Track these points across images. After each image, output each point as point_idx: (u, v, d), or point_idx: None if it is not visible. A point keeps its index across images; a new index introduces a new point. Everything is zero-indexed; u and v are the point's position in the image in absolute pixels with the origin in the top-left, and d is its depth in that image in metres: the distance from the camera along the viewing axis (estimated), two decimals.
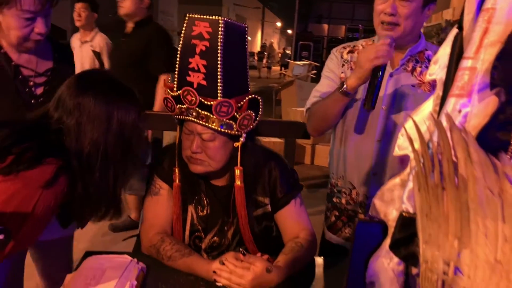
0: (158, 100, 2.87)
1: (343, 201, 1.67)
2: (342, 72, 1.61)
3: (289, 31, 37.13)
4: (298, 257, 1.33)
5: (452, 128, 0.55)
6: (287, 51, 24.73)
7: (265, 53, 22.53)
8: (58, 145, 1.11)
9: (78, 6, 3.63)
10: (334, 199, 1.70)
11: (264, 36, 45.38)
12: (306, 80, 8.99)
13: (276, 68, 21.96)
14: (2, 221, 0.97)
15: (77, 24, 3.67)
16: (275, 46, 42.20)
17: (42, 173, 1.04)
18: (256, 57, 21.08)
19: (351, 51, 1.65)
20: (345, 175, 1.64)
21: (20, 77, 1.45)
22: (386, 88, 1.53)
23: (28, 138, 1.09)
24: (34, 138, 1.10)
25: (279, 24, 47.47)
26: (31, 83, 1.47)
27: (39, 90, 1.46)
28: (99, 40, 3.62)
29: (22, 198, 1.01)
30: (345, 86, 1.42)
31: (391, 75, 1.54)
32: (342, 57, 1.65)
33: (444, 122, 0.57)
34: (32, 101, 1.44)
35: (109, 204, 1.21)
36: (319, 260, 1.46)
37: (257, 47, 37.61)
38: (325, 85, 1.62)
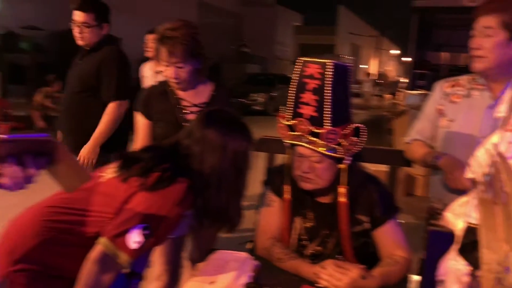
0: (101, 126, 2.57)
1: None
2: (440, 105, 1.76)
3: (405, 59, 36.07)
4: (392, 271, 1.49)
5: (501, 156, 0.72)
6: (400, 79, 24.09)
7: (378, 81, 22.19)
8: (187, 167, 1.45)
9: (149, 37, 3.71)
10: (433, 221, 1.81)
11: (379, 64, 44.54)
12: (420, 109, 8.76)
13: (388, 97, 21.47)
14: (146, 221, 1.31)
15: (149, 55, 3.78)
16: (390, 74, 41.16)
17: (176, 191, 1.38)
18: (367, 85, 20.79)
19: (453, 85, 1.79)
20: (443, 199, 1.75)
21: (179, 106, 1.98)
22: (484, 120, 1.64)
23: (165, 161, 1.44)
24: (170, 160, 1.45)
25: (394, 52, 46.26)
26: (186, 111, 1.96)
27: (191, 117, 1.90)
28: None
29: (160, 206, 1.35)
30: (437, 161, 1.61)
31: (490, 107, 1.64)
32: (443, 90, 1.80)
33: (497, 151, 0.74)
34: (184, 124, 1.89)
35: (223, 219, 1.51)
36: (414, 278, 1.58)
37: (370, 75, 37.03)
38: (423, 122, 1.80)
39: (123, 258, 1.29)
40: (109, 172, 1.46)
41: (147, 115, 2.07)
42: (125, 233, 1.28)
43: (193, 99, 2.04)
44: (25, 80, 11.20)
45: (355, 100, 21.39)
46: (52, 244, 1.34)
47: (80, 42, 2.67)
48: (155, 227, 1.32)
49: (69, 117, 2.72)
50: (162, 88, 2.08)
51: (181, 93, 2.04)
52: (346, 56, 31.61)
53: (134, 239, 1.28)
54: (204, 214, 1.49)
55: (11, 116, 7.35)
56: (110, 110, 2.57)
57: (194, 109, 2.00)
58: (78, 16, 2.60)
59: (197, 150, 1.46)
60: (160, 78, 3.75)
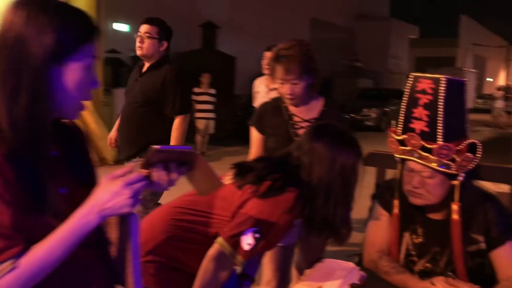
0: (173, 142, 2.79)
1: None
2: None
3: None
4: None
5: None
6: None
7: (508, 95, 20.11)
8: (296, 177, 1.53)
9: (267, 55, 3.71)
10: None
11: (508, 77, 40.64)
12: None
13: None
14: (257, 225, 1.42)
15: (266, 71, 3.73)
16: None
17: (286, 199, 1.47)
18: (499, 101, 18.78)
19: None
20: None
21: (291, 121, 2.09)
22: None
23: (276, 171, 1.54)
24: (281, 171, 1.54)
25: None
26: (298, 126, 2.07)
27: (302, 132, 1.98)
28: None
29: (270, 212, 1.45)
30: None
31: None
32: None
33: None
34: (295, 139, 1.98)
35: (330, 229, 1.56)
36: None
37: (501, 89, 33.94)
38: None
39: (237, 257, 1.42)
40: (227, 179, 1.61)
41: (261, 130, 2.21)
42: (239, 235, 1.41)
43: (305, 114, 2.13)
44: None
45: (484, 117, 19.73)
46: (177, 240, 1.51)
47: (138, 52, 2.80)
48: (265, 231, 1.42)
49: (130, 128, 2.92)
50: (276, 104, 2.20)
51: (293, 109, 2.14)
52: (469, 69, 29.40)
53: (247, 241, 1.40)
54: (312, 223, 1.56)
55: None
56: (179, 124, 2.81)
57: (305, 124, 2.08)
58: (143, 28, 2.78)
59: (306, 161, 1.54)
60: (273, 94, 3.75)
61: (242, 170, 1.59)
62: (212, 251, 1.42)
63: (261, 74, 4.03)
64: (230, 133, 10.54)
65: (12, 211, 0.85)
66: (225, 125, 10.03)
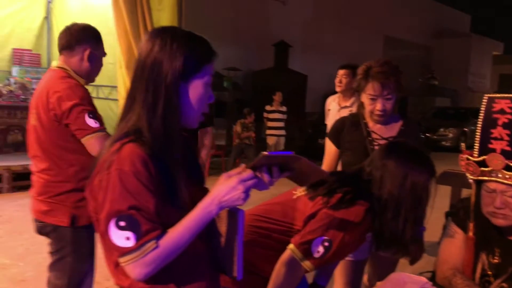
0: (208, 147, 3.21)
1: None
2: None
3: None
4: None
5: None
6: None
7: None
8: (367, 191, 1.58)
9: (341, 72, 3.79)
10: None
11: None
12: None
13: None
14: (327, 234, 1.48)
15: (338, 89, 3.82)
16: None
17: (356, 211, 1.51)
18: None
19: None
20: None
21: (369, 138, 2.13)
22: None
23: (348, 184, 1.59)
24: (352, 184, 1.59)
25: None
26: (376, 143, 2.10)
27: None
28: None
29: (340, 223, 1.50)
30: None
31: None
32: None
33: None
34: None
35: (399, 244, 1.57)
36: None
37: None
38: None
39: (307, 264, 1.48)
40: (300, 191, 1.69)
41: (337, 143, 2.26)
42: (309, 243, 1.48)
43: (384, 132, 2.14)
44: (225, 114, 12.84)
45: None
46: (254, 245, 1.61)
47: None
48: (334, 241, 1.48)
49: None
50: (354, 120, 2.23)
51: (373, 126, 2.16)
52: None
53: (316, 248, 1.47)
54: (381, 238, 1.59)
55: (214, 145, 8.53)
56: (211, 135, 3.22)
57: (383, 142, 2.09)
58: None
59: (377, 176, 1.58)
60: (344, 112, 3.78)
61: (314, 183, 1.66)
62: (284, 256, 1.51)
63: (333, 92, 4.09)
64: (300, 150, 10.60)
65: (155, 200, 1.04)
66: (295, 142, 10.12)
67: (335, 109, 3.90)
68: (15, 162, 6.13)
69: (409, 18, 21.23)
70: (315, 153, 10.12)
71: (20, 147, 6.89)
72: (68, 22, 7.61)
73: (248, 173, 1.05)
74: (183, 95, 1.11)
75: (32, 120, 2.01)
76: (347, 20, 16.03)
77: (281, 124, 8.51)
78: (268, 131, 8.50)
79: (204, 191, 1.28)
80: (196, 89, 1.12)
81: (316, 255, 1.47)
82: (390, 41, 19.76)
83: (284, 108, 8.53)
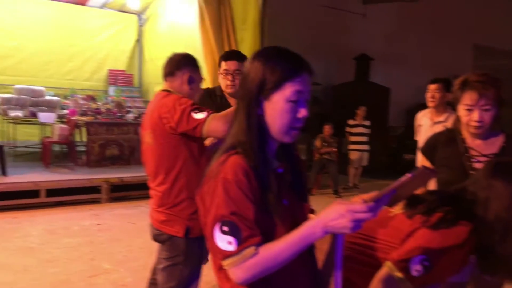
0: None
1: None
2: None
3: None
4: None
5: None
6: None
7: None
8: (470, 212, 1.51)
9: (432, 87, 3.70)
10: None
11: None
12: None
13: None
14: (426, 254, 1.44)
15: (430, 104, 3.72)
16: None
17: (458, 232, 1.46)
18: None
19: None
20: None
21: (467, 154, 2.04)
22: None
23: (449, 203, 1.53)
24: (454, 204, 1.53)
25: None
26: (475, 160, 2.01)
27: (478, 166, 1.94)
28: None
29: (440, 243, 1.45)
30: None
31: None
32: None
33: None
34: (470, 172, 1.94)
35: (506, 269, 1.49)
36: None
37: None
38: None
39: (405, 282, 1.46)
40: (397, 209, 1.67)
41: (431, 160, 2.20)
42: (408, 261, 1.46)
43: (483, 149, 2.03)
44: (306, 128, 12.88)
45: None
46: (349, 261, 1.61)
47: (229, 90, 2.69)
48: (434, 261, 1.44)
49: None
50: (450, 135, 2.15)
51: (470, 142, 2.06)
52: None
53: (415, 267, 1.44)
54: (486, 261, 1.51)
55: None
56: None
57: (483, 158, 1.99)
58: (232, 64, 2.68)
59: (482, 196, 1.51)
60: (438, 128, 3.62)
61: (412, 201, 1.64)
62: (381, 273, 1.49)
63: (417, 105, 4.01)
64: (384, 165, 10.29)
65: (254, 209, 1.10)
66: (378, 158, 9.85)
67: (427, 125, 3.78)
68: (112, 174, 6.63)
69: (500, 24, 19.84)
70: (400, 169, 9.80)
71: (116, 161, 7.44)
72: (158, 43, 8.18)
73: (361, 205, 1.03)
74: (265, 110, 1.17)
75: (146, 139, 2.21)
76: (432, 30, 15.37)
77: (364, 138, 8.34)
78: (351, 146, 8.37)
79: (306, 207, 1.33)
80: (276, 105, 1.16)
81: (415, 273, 1.45)
82: (480, 50, 18.57)
83: (367, 122, 8.36)
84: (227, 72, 2.68)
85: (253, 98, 1.17)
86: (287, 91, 1.16)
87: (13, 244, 4.34)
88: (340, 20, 12.52)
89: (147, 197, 6.64)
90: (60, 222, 5.19)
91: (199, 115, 2.01)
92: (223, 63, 2.70)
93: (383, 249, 1.60)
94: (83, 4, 9.77)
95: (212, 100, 2.74)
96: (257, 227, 1.09)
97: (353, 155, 8.35)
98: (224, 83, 2.71)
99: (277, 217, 1.14)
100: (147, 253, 4.13)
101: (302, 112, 1.18)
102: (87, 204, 6.07)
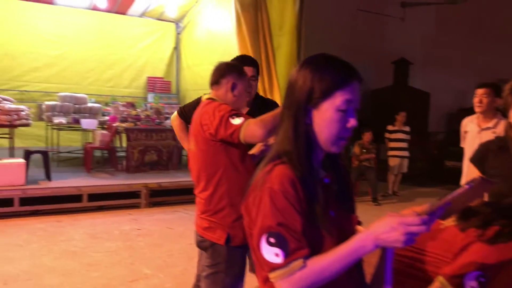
0: None
1: None
2: None
3: None
4: None
5: None
6: None
7: None
8: None
9: (480, 92, 3.49)
10: None
11: None
12: None
13: None
14: (482, 269, 1.36)
15: (478, 110, 3.54)
16: None
17: None
18: None
19: None
20: None
21: None
22: None
23: (506, 216, 1.45)
24: (510, 217, 1.45)
25: None
26: None
27: None
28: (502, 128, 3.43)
29: (497, 258, 1.37)
30: None
31: None
32: None
33: None
34: None
35: None
36: None
37: None
38: None
39: None
40: (448, 221, 1.60)
41: (481, 169, 2.10)
42: (462, 277, 1.38)
43: None
44: None
45: None
46: (398, 274, 1.55)
47: (247, 97, 2.50)
48: (491, 277, 1.36)
49: None
50: (502, 143, 2.05)
51: None
52: None
53: (470, 283, 1.37)
54: None
55: None
56: None
57: None
58: (249, 70, 2.56)
59: None
60: (486, 134, 3.50)
61: (466, 213, 1.56)
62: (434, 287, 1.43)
63: (460, 110, 3.86)
64: (424, 172, 10.00)
65: (301, 220, 1.06)
66: (418, 164, 9.58)
67: (474, 131, 3.62)
68: (151, 179, 6.74)
69: None
70: (441, 176, 9.52)
71: (155, 166, 7.58)
72: (195, 51, 8.29)
73: (414, 218, 0.98)
74: (313, 119, 1.14)
75: (191, 146, 2.23)
76: (474, 33, 14.90)
77: (404, 144, 8.13)
78: (390, 152, 8.18)
79: (354, 218, 1.28)
80: (325, 114, 1.13)
81: None
82: None
83: (407, 128, 8.15)
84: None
85: (301, 107, 1.14)
86: (337, 100, 1.12)
87: (58, 248, 4.46)
88: (377, 24, 12.33)
89: (184, 202, 6.75)
90: (101, 226, 5.31)
91: (236, 121, 2.00)
92: None
93: (433, 263, 1.53)
94: (123, 13, 10.05)
95: None
96: (305, 239, 1.06)
97: (393, 162, 8.16)
98: None
99: (324, 229, 1.11)
100: (186, 259, 4.16)
101: (352, 122, 1.14)
102: (126, 208, 6.19)
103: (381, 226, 1.00)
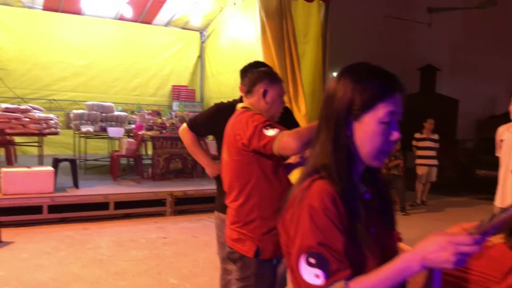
0: None
1: None
2: None
3: None
4: None
5: None
6: None
7: None
8: None
9: None
10: None
11: None
12: None
13: None
14: None
15: None
16: None
17: None
18: None
19: None
20: None
21: None
22: None
23: None
24: None
25: None
26: None
27: None
28: None
29: None
30: None
31: None
32: None
33: None
34: None
35: None
36: None
37: None
38: None
39: None
40: (497, 238, 1.51)
41: None
42: None
43: None
44: None
45: None
46: None
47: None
48: None
49: None
50: None
51: None
52: None
53: None
54: None
55: None
56: None
57: None
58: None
59: None
60: None
61: None
62: None
63: (489, 117, 3.74)
64: (453, 181, 9.74)
65: (344, 239, 1.00)
66: (447, 173, 9.34)
67: (510, 139, 3.51)
68: (176, 187, 6.75)
69: None
70: (472, 186, 9.24)
71: (180, 174, 7.60)
72: (219, 59, 8.31)
73: (466, 237, 0.91)
74: (354, 132, 1.08)
75: (224, 156, 2.19)
76: (502, 37, 14.53)
77: (432, 153, 7.94)
78: (418, 161, 8.00)
79: (395, 235, 1.21)
80: (367, 127, 1.07)
81: None
82: None
83: (436, 136, 7.96)
84: None
85: (341, 119, 1.09)
86: (380, 112, 1.07)
87: (85, 256, 4.49)
88: (403, 30, 12.16)
89: (208, 210, 6.73)
90: (128, 234, 5.33)
91: (271, 132, 1.95)
92: None
93: (480, 282, 1.45)
94: (149, 22, 10.18)
95: (230, 116, 2.47)
96: (347, 260, 1.00)
97: (421, 170, 7.97)
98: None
99: (366, 248, 1.04)
100: (213, 269, 4.12)
101: (395, 135, 1.09)
102: (152, 216, 6.20)
103: (428, 245, 0.93)
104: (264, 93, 2.14)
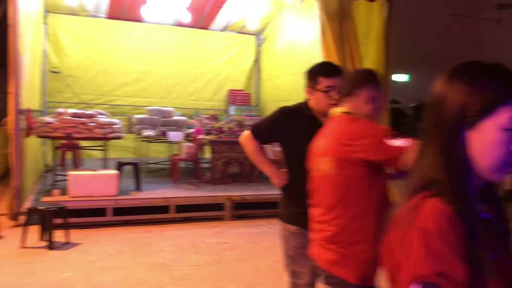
0: None
1: None
2: None
3: None
4: None
5: None
6: None
7: None
8: None
9: None
10: None
11: None
12: None
13: None
14: None
15: None
16: None
17: None
18: None
19: None
20: None
21: None
22: None
23: None
24: None
25: None
26: None
27: None
28: None
29: None
30: None
31: None
32: None
33: None
34: None
35: None
36: None
37: None
38: None
39: None
40: None
41: None
42: None
43: None
44: None
45: None
46: None
47: (330, 108, 2.20)
48: None
49: None
50: None
51: None
52: None
53: None
54: None
55: None
56: None
57: None
58: (336, 81, 2.29)
59: None
60: None
61: None
62: None
63: None
64: None
65: (464, 268, 0.85)
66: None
67: None
68: (234, 192, 6.72)
69: None
70: None
71: (237, 178, 7.57)
72: (275, 62, 8.26)
73: None
74: (468, 142, 0.93)
75: (322, 167, 1.96)
76: None
77: None
78: None
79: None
80: (486, 135, 0.92)
81: None
82: None
83: None
84: (330, 89, 2.28)
85: (453, 127, 0.94)
86: (502, 117, 0.91)
87: (148, 259, 4.53)
88: (470, 27, 11.52)
89: (267, 216, 6.62)
90: (188, 238, 5.34)
91: (396, 143, 1.75)
92: (323, 79, 2.31)
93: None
94: (206, 28, 10.30)
95: (298, 121, 2.40)
96: None
97: None
98: (326, 102, 2.30)
99: (490, 277, 0.89)
100: (275, 277, 4.01)
101: None
102: (210, 221, 6.20)
103: None
104: (372, 98, 1.95)
